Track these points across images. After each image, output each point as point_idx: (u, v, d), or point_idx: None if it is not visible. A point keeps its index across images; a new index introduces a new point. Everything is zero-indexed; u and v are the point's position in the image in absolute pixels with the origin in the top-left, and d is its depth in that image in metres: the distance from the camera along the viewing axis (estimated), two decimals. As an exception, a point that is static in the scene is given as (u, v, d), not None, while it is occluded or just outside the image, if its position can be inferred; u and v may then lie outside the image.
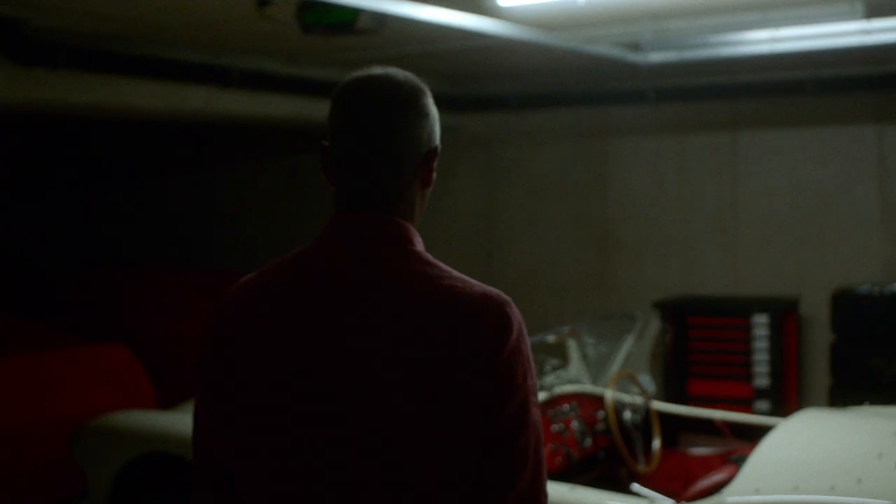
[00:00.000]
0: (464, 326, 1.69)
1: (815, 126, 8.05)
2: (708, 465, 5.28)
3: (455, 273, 1.78)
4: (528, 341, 1.76)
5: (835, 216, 7.99)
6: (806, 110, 8.06)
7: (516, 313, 1.76)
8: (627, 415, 5.18)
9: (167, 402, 6.47)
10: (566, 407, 5.07)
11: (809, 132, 8.07)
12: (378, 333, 1.70)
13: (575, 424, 5.04)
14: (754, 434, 5.22)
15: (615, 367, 5.58)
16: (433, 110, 1.86)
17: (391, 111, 1.79)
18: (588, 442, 5.08)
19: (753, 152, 8.28)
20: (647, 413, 5.30)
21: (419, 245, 1.81)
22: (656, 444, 5.21)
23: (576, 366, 5.60)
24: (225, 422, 1.77)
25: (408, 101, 1.81)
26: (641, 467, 5.08)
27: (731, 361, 7.69)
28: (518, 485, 1.70)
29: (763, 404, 7.50)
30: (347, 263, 1.76)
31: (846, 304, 7.33)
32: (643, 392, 5.35)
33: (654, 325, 5.85)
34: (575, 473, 4.92)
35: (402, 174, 1.81)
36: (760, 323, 7.56)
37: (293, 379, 1.71)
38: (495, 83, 9.02)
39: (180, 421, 5.22)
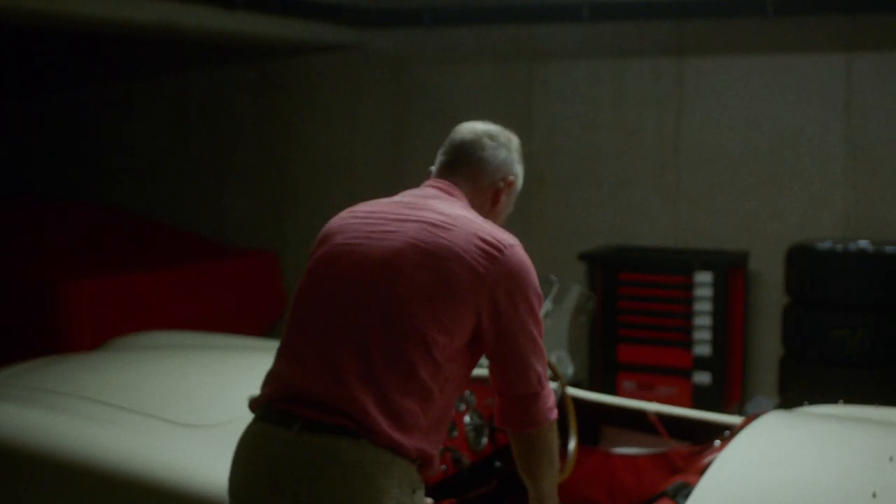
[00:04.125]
0: (480, 247, 2.67)
1: (775, 53, 7.04)
2: (637, 469, 4.26)
3: (488, 221, 2.78)
4: (532, 271, 2.82)
5: (792, 158, 7.02)
6: (765, 34, 7.05)
7: (523, 253, 2.79)
8: (537, 406, 4.07)
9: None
10: (457, 396, 3.94)
11: (767, 60, 7.07)
12: (417, 237, 2.65)
13: (468, 419, 3.92)
14: (695, 432, 4.19)
15: (524, 343, 4.46)
16: (514, 153, 2.92)
17: (478, 138, 2.87)
18: (483, 442, 3.96)
19: (702, 81, 7.26)
20: (561, 403, 4.20)
21: (468, 205, 2.82)
22: (572, 444, 4.11)
23: (473, 342, 4.48)
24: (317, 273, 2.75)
25: (493, 136, 2.88)
26: (552, 475, 3.98)
27: (668, 325, 6.69)
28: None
29: (703, 376, 6.51)
30: (408, 202, 2.78)
31: (803, 262, 6.36)
32: (557, 377, 4.24)
33: (576, 289, 4.71)
34: (465, 485, 3.83)
35: (473, 181, 2.86)
36: (703, 282, 6.55)
37: (355, 258, 2.69)
38: (407, -6, 7.92)
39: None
